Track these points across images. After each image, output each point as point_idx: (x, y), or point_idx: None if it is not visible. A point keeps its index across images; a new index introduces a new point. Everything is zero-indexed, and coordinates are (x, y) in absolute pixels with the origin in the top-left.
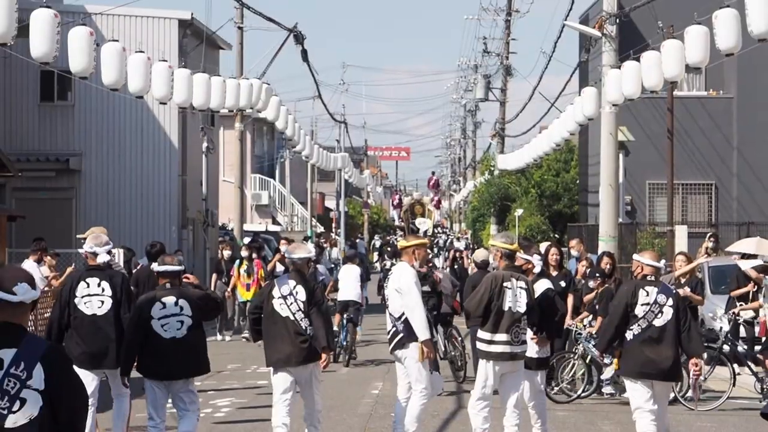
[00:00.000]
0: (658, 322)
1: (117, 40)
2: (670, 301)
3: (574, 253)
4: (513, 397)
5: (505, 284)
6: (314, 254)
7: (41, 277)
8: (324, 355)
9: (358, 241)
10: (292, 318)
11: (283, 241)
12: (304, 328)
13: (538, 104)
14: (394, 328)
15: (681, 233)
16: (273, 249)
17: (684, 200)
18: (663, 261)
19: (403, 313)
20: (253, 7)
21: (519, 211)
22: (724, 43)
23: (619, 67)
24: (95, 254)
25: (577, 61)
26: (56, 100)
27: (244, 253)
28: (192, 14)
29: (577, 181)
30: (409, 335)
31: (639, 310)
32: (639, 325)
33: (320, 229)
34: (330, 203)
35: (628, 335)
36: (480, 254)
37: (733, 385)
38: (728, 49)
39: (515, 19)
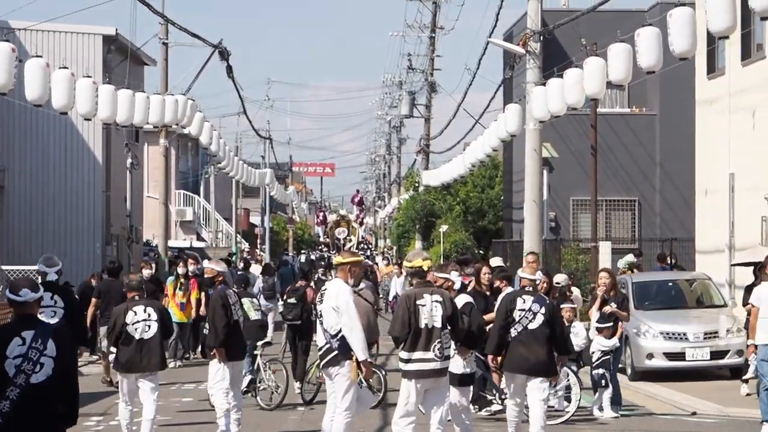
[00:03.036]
0: (531, 326)
1: (41, 56)
2: (543, 309)
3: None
4: (437, 413)
5: (418, 302)
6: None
7: None
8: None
9: (290, 257)
10: (241, 321)
11: (191, 260)
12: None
13: (462, 121)
14: (328, 345)
15: (605, 249)
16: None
17: (608, 216)
18: (539, 274)
19: (339, 331)
20: (178, 23)
21: (444, 228)
22: (646, 60)
23: (544, 84)
24: (45, 273)
25: (502, 77)
26: None
27: (180, 270)
28: (116, 30)
29: (502, 198)
30: (344, 353)
31: (516, 315)
32: (515, 328)
33: (245, 245)
34: (255, 219)
35: (508, 337)
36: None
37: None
38: (649, 66)
39: (440, 36)
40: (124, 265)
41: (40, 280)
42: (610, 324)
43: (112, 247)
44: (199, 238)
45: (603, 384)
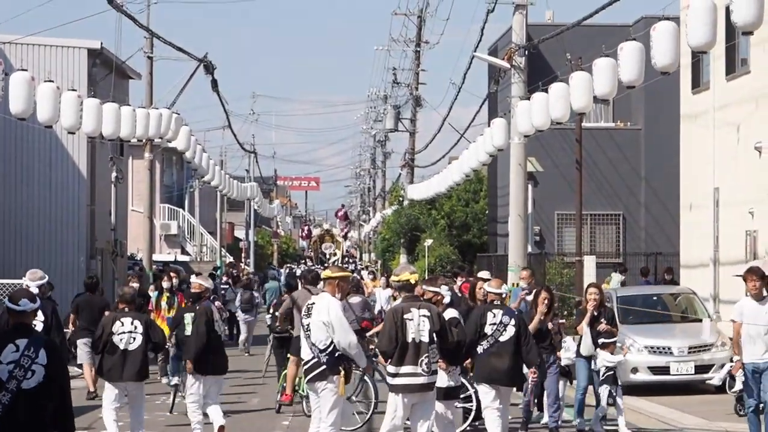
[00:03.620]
0: (502, 339)
1: (26, 70)
2: (513, 321)
3: (523, 284)
4: (423, 427)
5: (405, 316)
6: (212, 285)
7: None
8: None
9: (276, 271)
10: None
11: (172, 273)
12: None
13: (447, 135)
14: (316, 359)
15: (589, 263)
16: (180, 279)
17: (592, 230)
18: (504, 287)
19: (328, 345)
20: (163, 37)
21: (428, 242)
22: (627, 75)
23: (528, 98)
24: (28, 287)
25: (487, 92)
26: None
27: (165, 284)
28: (101, 44)
29: (487, 212)
30: (332, 368)
31: (488, 329)
32: (488, 341)
33: (230, 258)
34: (239, 233)
35: (479, 349)
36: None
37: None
38: (630, 81)
39: (425, 50)
40: (108, 279)
41: None
42: (615, 339)
43: (97, 261)
44: (184, 252)
45: (610, 402)
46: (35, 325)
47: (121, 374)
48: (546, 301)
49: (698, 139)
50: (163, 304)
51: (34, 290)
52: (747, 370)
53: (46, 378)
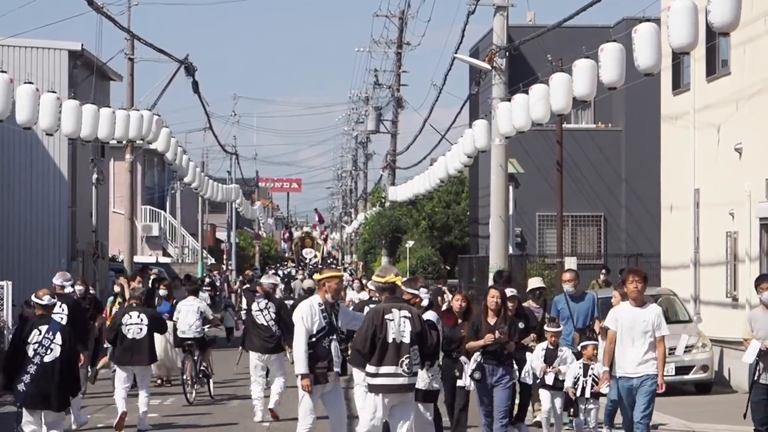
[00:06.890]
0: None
1: (5, 71)
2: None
3: (568, 288)
4: (403, 428)
5: (386, 317)
6: (278, 282)
7: None
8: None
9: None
10: (266, 324)
11: (122, 279)
12: (274, 331)
13: (429, 136)
14: None
15: (570, 265)
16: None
17: (573, 232)
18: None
19: None
20: (143, 39)
21: (410, 243)
22: (608, 76)
23: (509, 100)
24: (63, 287)
25: (468, 93)
26: None
27: (116, 288)
28: (82, 45)
29: (468, 213)
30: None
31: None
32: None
33: (211, 260)
34: (221, 234)
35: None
36: (308, 282)
37: None
38: (612, 82)
39: (406, 52)
40: (89, 280)
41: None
42: (595, 342)
43: (78, 263)
44: (165, 254)
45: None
46: (62, 318)
47: (129, 359)
48: (460, 306)
49: (679, 140)
50: (114, 309)
51: (69, 289)
52: (620, 387)
53: (62, 354)
